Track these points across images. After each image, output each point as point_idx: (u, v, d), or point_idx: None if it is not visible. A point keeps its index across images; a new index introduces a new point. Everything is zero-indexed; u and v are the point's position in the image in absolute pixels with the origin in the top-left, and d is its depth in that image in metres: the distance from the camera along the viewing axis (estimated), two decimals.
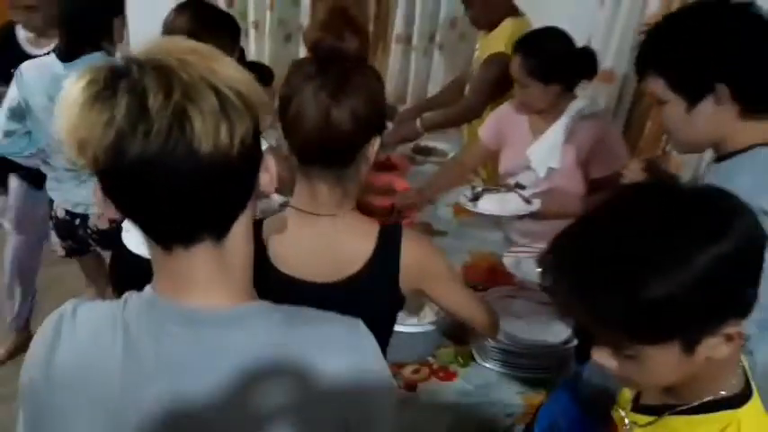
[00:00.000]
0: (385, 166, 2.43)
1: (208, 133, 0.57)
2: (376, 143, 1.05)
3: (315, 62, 1.04)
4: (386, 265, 1.05)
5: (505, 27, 2.30)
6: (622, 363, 0.77)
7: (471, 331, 1.42)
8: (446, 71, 3.54)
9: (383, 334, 1.16)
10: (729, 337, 0.72)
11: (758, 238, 0.73)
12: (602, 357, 0.78)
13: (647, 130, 2.39)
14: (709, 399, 0.79)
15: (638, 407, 0.91)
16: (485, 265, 1.84)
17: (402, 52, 3.60)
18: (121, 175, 0.59)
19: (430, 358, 1.52)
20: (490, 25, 2.41)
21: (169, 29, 1.69)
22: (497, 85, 2.22)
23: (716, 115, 1.10)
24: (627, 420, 0.91)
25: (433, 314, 1.51)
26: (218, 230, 0.64)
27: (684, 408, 0.80)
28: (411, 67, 3.61)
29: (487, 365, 1.49)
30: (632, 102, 2.54)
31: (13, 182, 2.49)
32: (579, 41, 1.89)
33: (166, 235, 0.64)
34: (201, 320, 0.65)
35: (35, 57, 2.09)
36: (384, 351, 1.20)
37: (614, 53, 2.58)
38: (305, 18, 3.46)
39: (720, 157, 1.16)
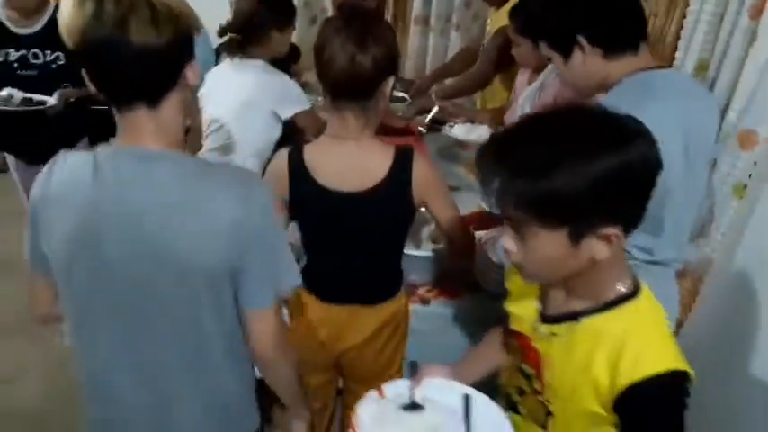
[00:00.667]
0: (404, 132, 2.68)
1: (140, 33, 0.89)
2: (390, 81, 1.31)
3: (341, 18, 1.29)
4: (400, 179, 1.31)
5: (513, 2, 2.53)
6: (523, 246, 0.93)
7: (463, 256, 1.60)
8: None
9: (399, 239, 1.42)
10: (608, 239, 0.89)
11: (653, 162, 0.88)
12: (507, 241, 0.95)
13: None
14: (613, 297, 0.96)
15: (546, 319, 1.04)
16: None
17: (420, 33, 3.84)
18: (87, 53, 0.92)
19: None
20: (500, 2, 2.65)
21: (236, 8, 2.05)
22: (504, 54, 2.47)
23: (587, 62, 1.31)
24: (543, 330, 1.03)
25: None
26: (151, 99, 0.96)
27: (595, 307, 0.97)
28: (429, 46, 3.84)
29: (489, 288, 1.74)
30: None
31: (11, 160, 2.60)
32: None
33: (117, 99, 0.96)
34: (148, 154, 0.97)
35: (21, 35, 2.34)
36: (399, 257, 1.46)
37: None
38: (328, 2, 3.73)
39: None
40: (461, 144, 2.48)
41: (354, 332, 1.45)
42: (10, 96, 2.28)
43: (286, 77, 2.03)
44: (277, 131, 1.99)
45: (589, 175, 0.84)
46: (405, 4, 3.81)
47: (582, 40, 1.29)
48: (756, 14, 1.87)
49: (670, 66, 2.19)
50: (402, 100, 2.95)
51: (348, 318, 1.44)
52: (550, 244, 0.91)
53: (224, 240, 0.96)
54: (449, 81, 3.10)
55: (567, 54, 1.32)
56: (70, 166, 0.99)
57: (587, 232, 0.89)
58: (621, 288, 0.97)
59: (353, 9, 1.30)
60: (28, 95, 2.29)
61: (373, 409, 1.05)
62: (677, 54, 2.27)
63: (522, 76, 2.36)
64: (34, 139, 2.35)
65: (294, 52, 2.94)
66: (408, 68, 3.87)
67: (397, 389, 1.11)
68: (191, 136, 1.17)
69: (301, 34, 3.73)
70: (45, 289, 1.09)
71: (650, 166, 0.89)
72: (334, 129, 1.33)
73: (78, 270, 0.99)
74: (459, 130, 2.30)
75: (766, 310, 1.89)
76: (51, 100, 2.32)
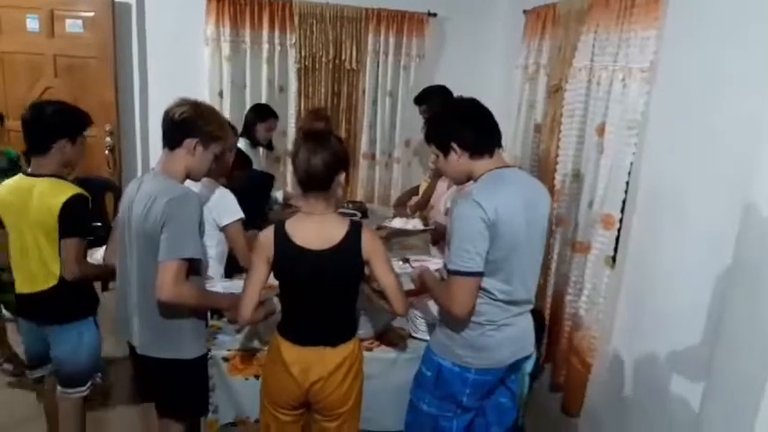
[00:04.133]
0: None
1: None
2: (342, 175, 1.81)
3: (303, 137, 1.82)
4: (353, 241, 1.79)
5: None
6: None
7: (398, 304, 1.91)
8: (403, 179, 4.53)
9: (353, 290, 1.88)
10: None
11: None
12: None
13: None
14: None
15: None
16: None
17: (368, 166, 4.59)
18: None
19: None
20: None
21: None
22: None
23: (459, 160, 1.85)
24: None
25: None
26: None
27: None
28: (376, 177, 4.57)
29: (418, 336, 2.21)
30: None
31: None
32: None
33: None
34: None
35: None
36: (353, 307, 1.93)
37: (520, 155, 3.56)
38: (289, 145, 4.47)
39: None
40: (401, 232, 3.11)
41: (320, 367, 1.83)
42: None
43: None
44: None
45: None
46: (354, 142, 4.57)
47: (454, 145, 1.85)
48: (600, 133, 2.59)
49: (515, 166, 2.88)
50: (353, 215, 3.55)
51: (315, 356, 1.84)
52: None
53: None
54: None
55: (445, 154, 1.90)
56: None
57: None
58: None
59: (308, 131, 1.86)
60: None
61: None
62: (558, 167, 2.97)
63: (442, 183, 3.02)
64: None
65: (269, 179, 3.55)
66: (359, 194, 4.55)
67: None
68: None
69: (271, 168, 4.44)
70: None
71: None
72: (304, 208, 1.83)
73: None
74: (397, 222, 2.95)
75: (644, 354, 2.38)
76: None
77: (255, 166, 3.66)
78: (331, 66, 4.40)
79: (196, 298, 1.93)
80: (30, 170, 2.20)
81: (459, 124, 1.87)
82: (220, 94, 4.34)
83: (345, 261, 1.80)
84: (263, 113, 3.76)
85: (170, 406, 2.08)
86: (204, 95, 4.31)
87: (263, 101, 4.29)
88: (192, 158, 1.95)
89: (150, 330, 1.96)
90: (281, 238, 1.80)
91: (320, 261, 1.77)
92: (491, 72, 4.23)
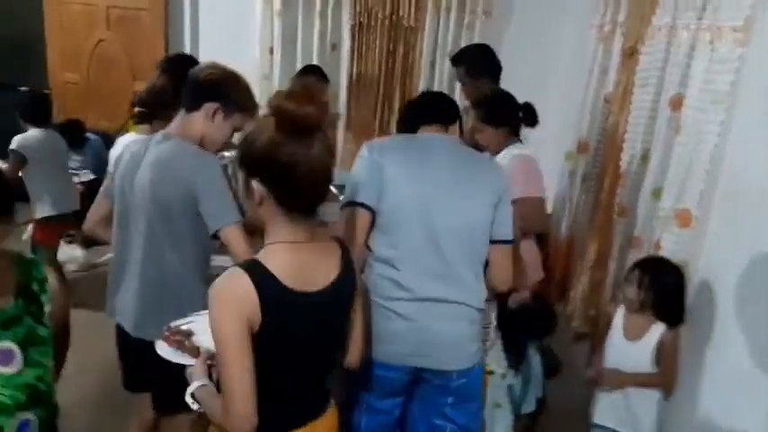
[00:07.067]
0: None
1: None
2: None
3: (282, 126, 1.11)
4: (348, 273, 1.28)
5: None
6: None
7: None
8: None
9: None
10: None
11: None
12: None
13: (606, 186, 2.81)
14: None
15: None
16: None
17: None
18: None
19: None
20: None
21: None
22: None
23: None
24: None
25: None
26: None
27: None
28: None
29: None
30: (600, 166, 2.99)
31: None
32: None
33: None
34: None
35: None
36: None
37: (587, 128, 3.09)
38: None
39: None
40: None
41: None
42: None
43: None
44: None
45: None
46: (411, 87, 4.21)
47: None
48: (677, 106, 2.11)
49: None
50: None
51: None
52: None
53: None
54: None
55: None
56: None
57: None
58: None
59: (290, 116, 1.11)
60: None
61: None
62: (625, 145, 2.51)
63: None
64: None
65: None
66: None
67: None
68: None
69: None
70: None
71: None
72: (286, 237, 1.19)
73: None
74: None
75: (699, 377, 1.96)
76: None
77: None
78: (387, 22, 4.06)
79: None
80: None
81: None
82: (271, 51, 4.14)
83: (342, 305, 1.28)
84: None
85: (173, 397, 1.76)
86: (255, 51, 4.14)
87: (315, 59, 4.04)
88: (210, 125, 1.70)
89: (151, 309, 1.69)
90: (265, 283, 1.13)
91: (321, 307, 1.21)
92: (564, 33, 3.72)
